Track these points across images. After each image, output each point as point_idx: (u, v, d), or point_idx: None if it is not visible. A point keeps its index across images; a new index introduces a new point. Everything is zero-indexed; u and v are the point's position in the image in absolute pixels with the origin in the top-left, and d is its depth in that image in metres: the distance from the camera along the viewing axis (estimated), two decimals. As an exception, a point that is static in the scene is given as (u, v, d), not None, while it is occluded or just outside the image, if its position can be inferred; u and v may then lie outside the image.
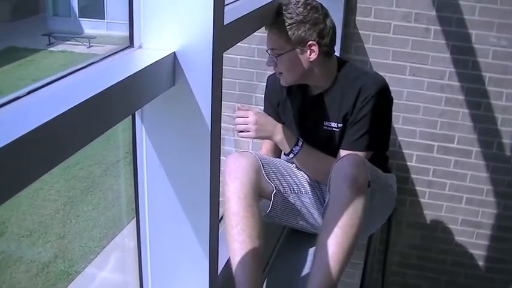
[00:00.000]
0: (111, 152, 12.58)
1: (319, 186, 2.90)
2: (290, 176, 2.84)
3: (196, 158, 1.74)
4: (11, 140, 1.02)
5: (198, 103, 1.67)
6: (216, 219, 1.86)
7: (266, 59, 2.77)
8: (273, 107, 2.91)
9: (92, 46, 19.33)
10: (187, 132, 1.72)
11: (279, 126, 2.74)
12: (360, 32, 3.84)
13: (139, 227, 1.97)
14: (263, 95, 3.05)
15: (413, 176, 4.07)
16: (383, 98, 2.71)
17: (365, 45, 3.86)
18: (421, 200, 4.10)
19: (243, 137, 2.75)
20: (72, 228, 10.72)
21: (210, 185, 1.75)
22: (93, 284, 9.40)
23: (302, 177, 2.88)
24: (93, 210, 11.21)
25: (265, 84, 3.07)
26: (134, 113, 1.77)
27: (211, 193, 1.77)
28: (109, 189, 11.76)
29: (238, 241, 2.40)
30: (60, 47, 19.70)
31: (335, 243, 2.30)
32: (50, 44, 19.85)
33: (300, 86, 2.82)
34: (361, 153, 2.65)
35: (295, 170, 2.90)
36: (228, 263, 2.37)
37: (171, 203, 1.83)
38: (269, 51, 2.68)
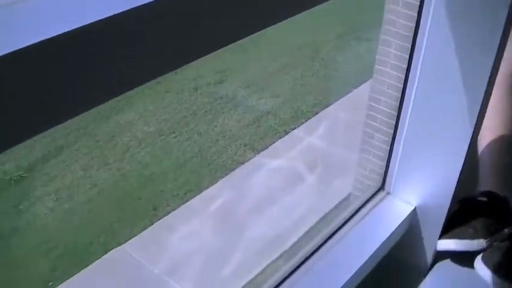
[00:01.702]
0: (335, 26, 12.43)
1: None
2: None
3: (488, 23, 1.54)
4: None
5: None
6: (489, 92, 1.68)
7: None
8: None
9: None
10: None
11: None
12: None
13: (405, 86, 1.84)
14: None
15: None
16: None
17: None
18: None
19: None
20: (288, 90, 10.86)
21: (496, 53, 1.55)
22: (300, 145, 9.55)
23: None
24: (312, 77, 11.25)
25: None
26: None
27: (494, 63, 1.57)
28: (331, 60, 11.70)
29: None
30: None
31: None
32: None
33: None
34: None
35: None
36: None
37: (449, 67, 1.66)
38: None
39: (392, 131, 2.06)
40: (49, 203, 8.79)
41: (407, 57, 1.85)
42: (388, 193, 2.29)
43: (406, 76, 1.91)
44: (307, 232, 8.04)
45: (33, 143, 9.74)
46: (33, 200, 8.84)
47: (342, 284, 1.91)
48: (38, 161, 9.47)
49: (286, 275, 1.91)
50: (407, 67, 1.87)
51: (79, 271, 7.80)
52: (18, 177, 9.12)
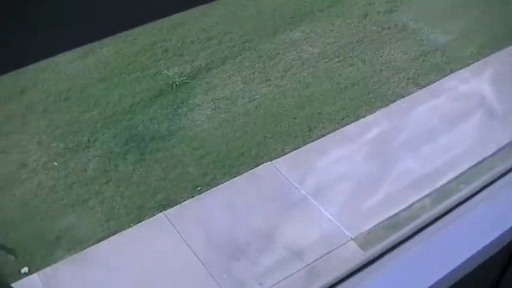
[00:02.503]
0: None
1: None
2: None
3: None
4: None
5: None
6: None
7: None
8: None
9: None
10: None
11: None
12: None
13: None
14: None
15: None
16: None
17: None
18: None
19: None
20: (459, 28, 10.40)
21: None
22: (464, 86, 9.20)
23: None
24: (486, 18, 10.67)
25: None
26: None
27: None
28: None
29: None
30: None
31: None
32: None
33: None
34: None
35: None
36: None
37: None
38: None
39: None
40: (207, 111, 9.02)
41: None
42: None
43: None
44: (461, 174, 7.81)
45: (197, 52, 9.97)
46: (192, 106, 9.11)
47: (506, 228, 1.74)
48: (201, 69, 9.70)
49: (439, 215, 1.77)
50: None
51: (228, 180, 8.00)
52: (180, 83, 9.40)
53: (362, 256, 1.45)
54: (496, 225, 1.78)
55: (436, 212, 1.81)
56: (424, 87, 9.20)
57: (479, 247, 1.70)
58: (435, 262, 1.63)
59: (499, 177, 1.94)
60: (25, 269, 6.99)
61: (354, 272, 1.43)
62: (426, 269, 1.60)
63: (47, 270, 6.97)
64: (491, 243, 1.72)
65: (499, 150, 8.00)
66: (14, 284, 6.90)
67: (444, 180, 7.74)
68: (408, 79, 9.32)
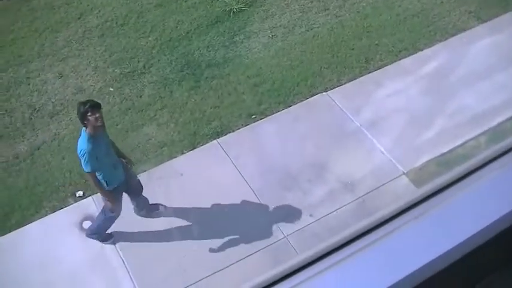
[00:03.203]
0: None
1: None
2: None
3: None
4: None
5: None
6: None
7: None
8: None
9: None
10: None
11: None
12: None
13: None
14: None
15: None
16: None
17: None
18: None
19: None
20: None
21: None
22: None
23: None
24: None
25: None
26: None
27: None
28: None
29: None
30: None
31: None
32: None
33: None
34: None
35: None
36: None
37: None
38: None
39: None
40: (263, 39, 8.96)
41: None
42: None
43: None
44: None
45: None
46: (249, 34, 9.05)
47: None
48: (259, -3, 9.58)
49: (494, 156, 1.68)
50: None
51: (283, 109, 7.99)
52: (238, 10, 9.32)
53: (415, 193, 1.43)
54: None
55: (492, 152, 1.75)
56: (486, 21, 8.92)
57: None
58: (491, 204, 1.61)
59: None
60: (80, 193, 7.22)
61: (406, 209, 1.42)
62: (480, 211, 1.57)
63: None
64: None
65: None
66: (70, 206, 7.11)
67: (500, 119, 7.58)
68: (470, 13, 9.04)
